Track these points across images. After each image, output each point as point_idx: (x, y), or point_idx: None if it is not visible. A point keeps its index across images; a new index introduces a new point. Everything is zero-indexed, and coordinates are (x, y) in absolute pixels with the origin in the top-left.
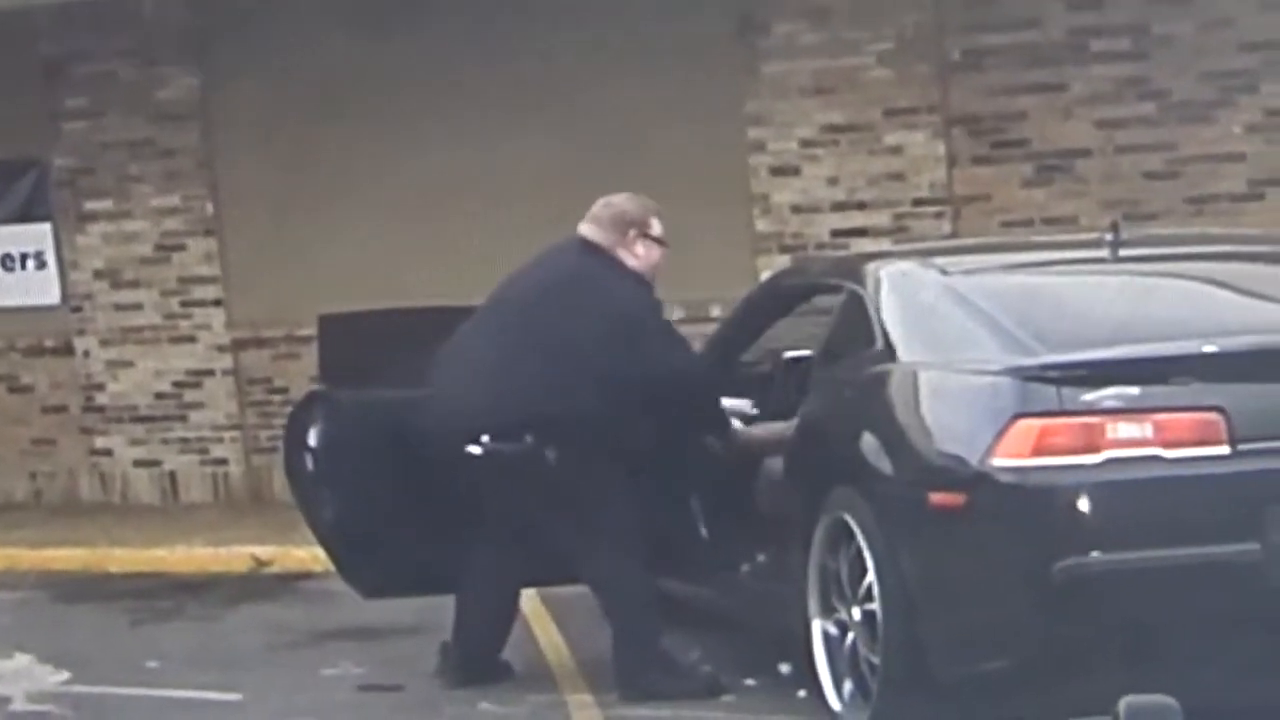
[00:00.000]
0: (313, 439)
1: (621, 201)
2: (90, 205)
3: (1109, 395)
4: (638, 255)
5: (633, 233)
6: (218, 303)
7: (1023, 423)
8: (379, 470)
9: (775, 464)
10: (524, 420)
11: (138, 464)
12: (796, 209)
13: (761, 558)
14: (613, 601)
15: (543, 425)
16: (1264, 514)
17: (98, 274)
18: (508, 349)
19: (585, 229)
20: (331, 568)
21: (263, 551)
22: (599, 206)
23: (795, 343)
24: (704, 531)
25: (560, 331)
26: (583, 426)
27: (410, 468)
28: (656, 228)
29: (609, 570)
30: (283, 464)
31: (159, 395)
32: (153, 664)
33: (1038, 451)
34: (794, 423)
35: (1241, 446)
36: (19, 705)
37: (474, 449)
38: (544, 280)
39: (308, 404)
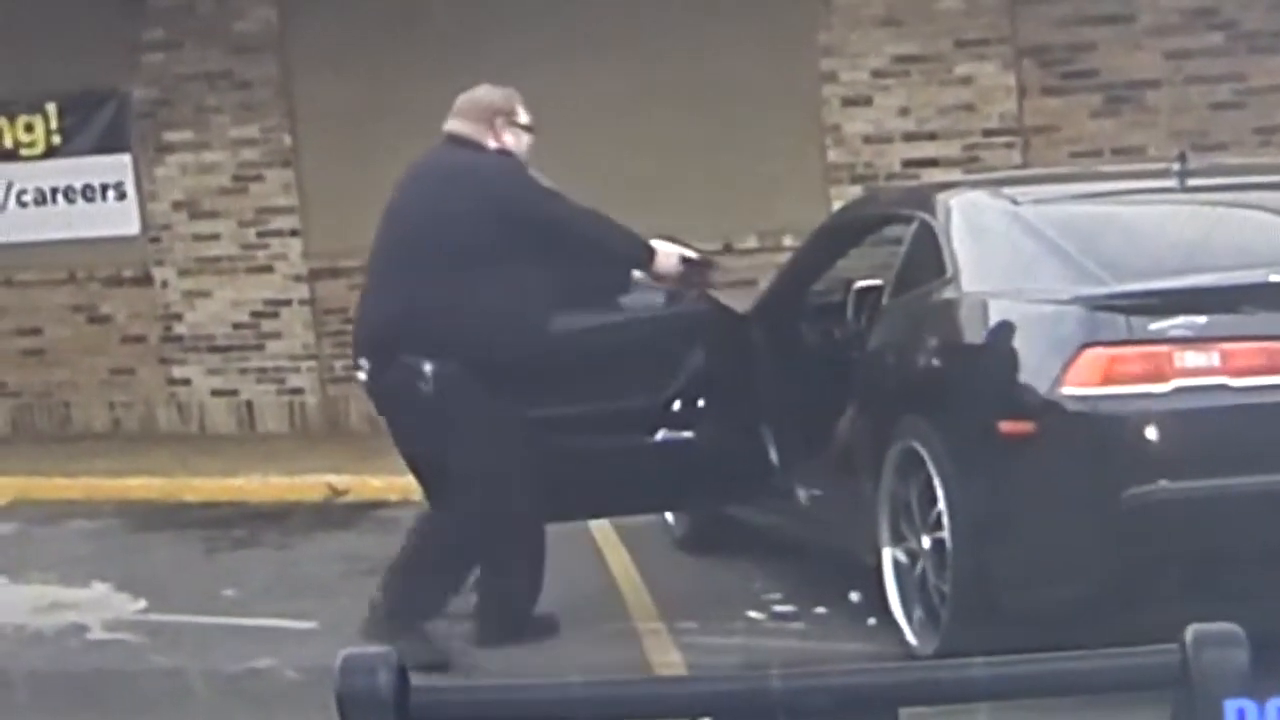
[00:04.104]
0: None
1: (484, 92)
2: (169, 136)
3: (1177, 324)
4: (506, 143)
5: (499, 120)
6: (294, 233)
7: (1091, 352)
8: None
9: (847, 392)
10: (435, 340)
11: (215, 393)
12: (868, 139)
13: (832, 485)
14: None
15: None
16: None
17: (176, 205)
18: (406, 265)
19: (451, 124)
20: (409, 497)
21: (338, 480)
22: (461, 101)
23: (867, 272)
24: (775, 459)
25: (449, 231)
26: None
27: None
28: (523, 115)
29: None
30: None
31: (236, 325)
32: (229, 592)
33: (1106, 380)
34: None
35: None
36: (96, 633)
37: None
38: (423, 189)
39: None
